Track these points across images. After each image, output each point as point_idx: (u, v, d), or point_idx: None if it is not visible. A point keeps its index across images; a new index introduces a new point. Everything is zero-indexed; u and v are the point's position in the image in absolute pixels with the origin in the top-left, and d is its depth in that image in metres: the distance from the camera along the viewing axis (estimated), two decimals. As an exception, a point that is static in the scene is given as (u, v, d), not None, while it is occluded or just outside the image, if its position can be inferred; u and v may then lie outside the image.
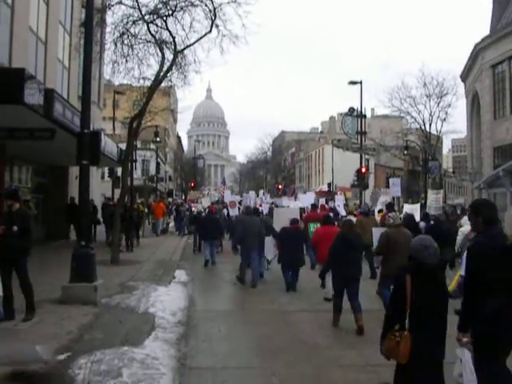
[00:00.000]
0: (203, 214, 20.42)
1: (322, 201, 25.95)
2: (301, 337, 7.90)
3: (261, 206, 24.23)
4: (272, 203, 26.38)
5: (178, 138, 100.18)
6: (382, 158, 67.17)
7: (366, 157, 43.11)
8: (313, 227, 13.37)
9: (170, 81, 17.05)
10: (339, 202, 23.44)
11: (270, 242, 13.13)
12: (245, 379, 6.15)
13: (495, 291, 4.31)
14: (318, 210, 16.71)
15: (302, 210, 19.58)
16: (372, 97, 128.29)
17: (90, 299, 9.19)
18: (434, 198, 21.50)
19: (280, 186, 68.80)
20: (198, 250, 19.26)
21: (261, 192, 36.55)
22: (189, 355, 6.82)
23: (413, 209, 16.89)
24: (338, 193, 29.26)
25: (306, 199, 24.65)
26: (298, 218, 13.86)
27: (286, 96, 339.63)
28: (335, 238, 8.88)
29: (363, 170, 29.79)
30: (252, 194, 28.82)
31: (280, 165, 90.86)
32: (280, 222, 13.44)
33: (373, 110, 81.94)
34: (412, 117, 40.70)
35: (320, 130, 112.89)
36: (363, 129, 30.78)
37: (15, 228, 7.58)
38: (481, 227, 4.62)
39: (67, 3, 19.87)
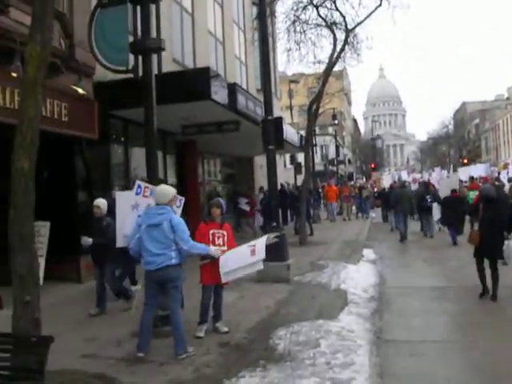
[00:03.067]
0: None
1: (494, 171, 29.89)
2: (501, 311, 7.36)
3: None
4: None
5: (354, 120, 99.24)
6: None
7: None
8: (472, 195, 15.86)
9: (344, 61, 17.11)
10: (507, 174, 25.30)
11: (436, 208, 16.31)
12: (444, 353, 5.87)
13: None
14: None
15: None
16: None
17: (283, 277, 9.61)
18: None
19: (465, 161, 64.17)
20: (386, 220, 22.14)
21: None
22: (384, 329, 6.77)
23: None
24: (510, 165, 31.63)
25: (477, 170, 29.50)
26: (457, 187, 16.59)
27: (463, 67, 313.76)
28: None
29: None
30: (438, 170, 29.74)
31: (463, 138, 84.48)
32: (443, 191, 16.50)
33: None
34: None
35: (506, 96, 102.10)
36: None
37: None
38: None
39: (239, 2, 20.94)
